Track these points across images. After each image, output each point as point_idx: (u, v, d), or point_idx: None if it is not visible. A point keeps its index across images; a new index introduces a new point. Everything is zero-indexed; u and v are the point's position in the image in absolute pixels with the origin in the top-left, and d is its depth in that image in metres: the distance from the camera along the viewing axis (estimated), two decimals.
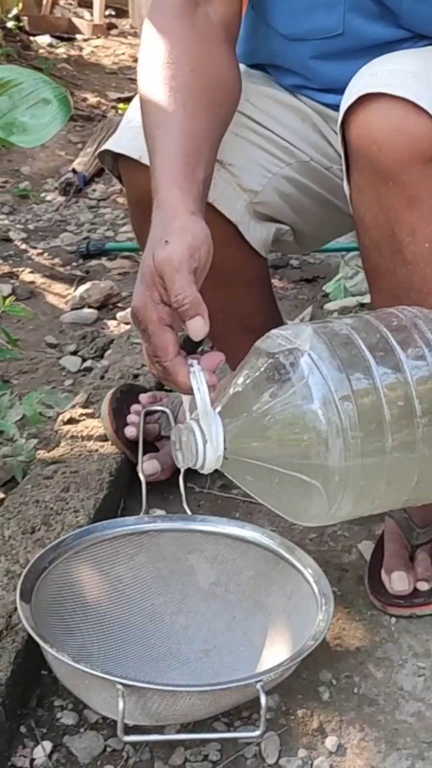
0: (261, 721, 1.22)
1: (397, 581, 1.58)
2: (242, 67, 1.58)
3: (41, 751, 1.32)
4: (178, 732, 1.31)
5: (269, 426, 1.12)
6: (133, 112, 1.54)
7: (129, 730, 1.21)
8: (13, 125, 1.28)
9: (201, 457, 1.14)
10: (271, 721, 1.36)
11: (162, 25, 1.45)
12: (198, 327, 1.17)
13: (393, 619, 1.57)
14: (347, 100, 1.38)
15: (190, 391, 1.15)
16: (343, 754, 1.34)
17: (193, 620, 1.50)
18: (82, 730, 1.36)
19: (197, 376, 1.14)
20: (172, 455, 1.19)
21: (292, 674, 1.35)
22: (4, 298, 1.69)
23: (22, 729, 1.35)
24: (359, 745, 1.35)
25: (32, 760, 1.31)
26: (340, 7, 1.52)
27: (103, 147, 1.59)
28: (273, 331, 1.18)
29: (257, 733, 1.23)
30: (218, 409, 1.14)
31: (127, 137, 1.54)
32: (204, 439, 1.13)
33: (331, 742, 1.35)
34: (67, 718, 1.37)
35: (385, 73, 1.38)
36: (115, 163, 1.60)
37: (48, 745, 1.33)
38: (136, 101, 1.50)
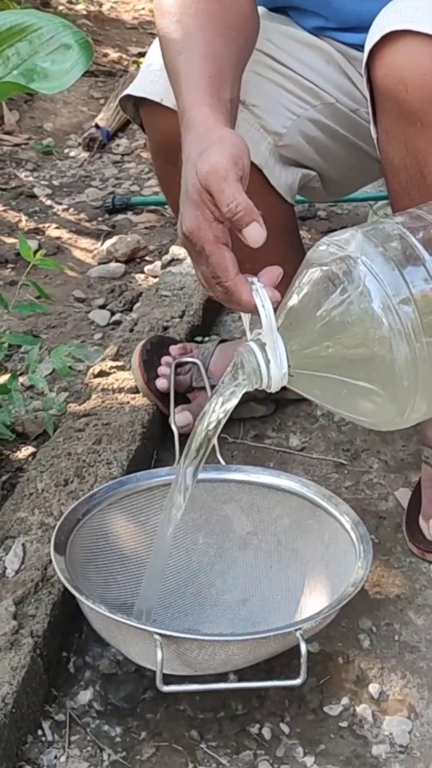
0: (302, 669, 1.21)
1: None
2: (262, 9, 1.57)
3: (81, 698, 1.32)
4: (217, 681, 1.29)
5: (330, 338, 1.09)
6: (153, 56, 1.53)
7: (167, 679, 1.20)
8: (34, 71, 1.25)
9: (266, 377, 1.11)
10: (312, 670, 1.34)
11: None
12: (256, 233, 1.13)
13: None
14: (371, 39, 1.35)
15: (254, 310, 1.12)
16: (386, 700, 1.34)
17: (230, 570, 1.49)
18: (120, 678, 1.36)
19: (260, 294, 1.12)
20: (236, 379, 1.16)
21: (331, 622, 1.34)
22: (34, 252, 1.66)
23: (60, 680, 1.35)
24: (401, 692, 1.35)
25: (72, 709, 1.31)
26: None
27: (124, 93, 1.58)
28: (323, 239, 1.14)
29: (299, 681, 1.22)
30: (277, 326, 1.11)
31: (148, 80, 1.54)
32: (266, 359, 1.10)
33: (373, 689, 1.35)
34: (106, 668, 1.37)
35: (410, 9, 1.34)
36: (136, 111, 1.60)
37: (87, 694, 1.33)
38: (155, 46, 1.49)
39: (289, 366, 1.11)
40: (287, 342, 1.11)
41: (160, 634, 1.18)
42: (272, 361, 1.11)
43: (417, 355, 1.07)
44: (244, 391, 1.16)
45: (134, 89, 1.56)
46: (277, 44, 1.63)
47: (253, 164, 1.52)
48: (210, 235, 1.15)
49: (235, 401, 1.17)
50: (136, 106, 1.59)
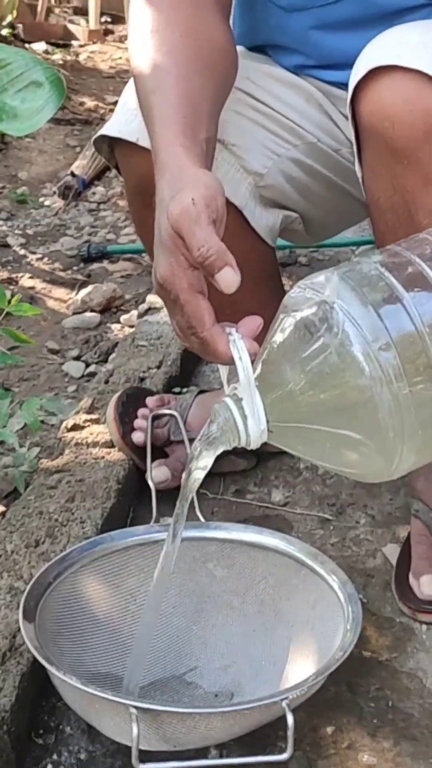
0: (289, 743, 1.13)
1: (427, 585, 1.51)
2: (240, 48, 1.55)
3: None
4: (198, 758, 1.22)
5: (310, 388, 1.03)
6: (128, 95, 1.51)
7: (144, 755, 1.12)
8: (2, 111, 1.20)
9: (244, 434, 1.05)
10: (299, 742, 1.28)
11: None
12: (229, 278, 1.06)
13: (424, 627, 1.50)
14: (356, 74, 1.32)
15: (231, 362, 1.06)
16: None
17: (210, 634, 1.43)
18: (94, 758, 1.28)
19: (237, 345, 1.05)
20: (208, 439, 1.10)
21: (319, 690, 1.26)
22: (9, 298, 1.61)
23: (29, 759, 1.27)
24: (395, 761, 1.28)
25: None
26: None
27: (98, 133, 1.55)
28: (300, 282, 1.08)
29: (285, 756, 1.14)
30: (255, 377, 1.05)
31: (122, 120, 1.51)
32: (243, 415, 1.04)
33: (364, 760, 1.27)
34: (77, 746, 1.29)
35: (396, 45, 1.31)
36: (111, 152, 1.57)
37: None
38: (130, 85, 1.46)
39: (267, 421, 1.05)
40: (265, 394, 1.05)
41: (135, 707, 1.10)
42: (250, 417, 1.05)
43: (401, 404, 1.01)
44: (221, 450, 1.10)
45: (109, 129, 1.53)
46: (256, 83, 1.60)
47: (233, 205, 1.51)
48: (184, 283, 1.09)
49: (210, 460, 1.11)
50: (111, 146, 1.55)
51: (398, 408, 1.01)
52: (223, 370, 1.13)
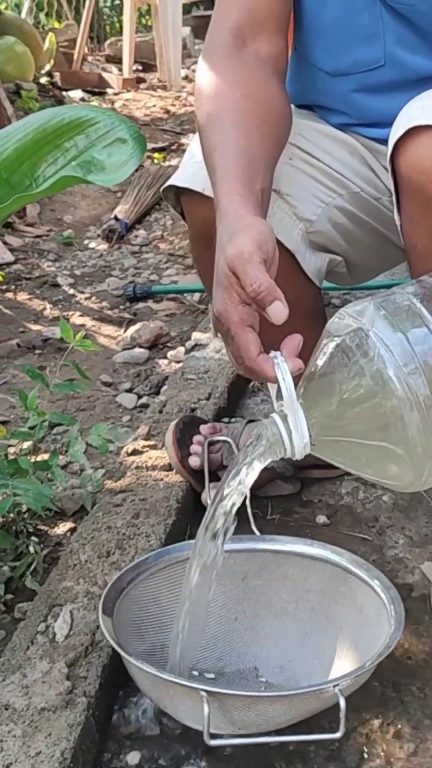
0: (341, 723, 1.24)
1: None
2: (291, 106, 1.64)
3: (130, 760, 1.36)
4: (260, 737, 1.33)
5: (348, 407, 1.15)
6: (194, 148, 1.62)
7: (213, 737, 1.23)
8: (91, 164, 1.31)
9: (289, 447, 1.18)
10: (351, 731, 1.39)
11: (213, 62, 1.53)
12: (278, 311, 1.20)
13: None
14: (395, 133, 1.44)
15: (277, 382, 1.18)
16: (424, 758, 1.37)
17: (267, 637, 1.53)
18: (168, 740, 1.39)
19: (281, 368, 1.18)
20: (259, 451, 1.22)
21: (367, 688, 1.38)
22: (75, 333, 1.73)
23: (111, 741, 1.39)
24: None
25: None
26: (380, 39, 1.59)
27: (168, 183, 1.66)
28: (341, 310, 1.21)
29: (338, 734, 1.25)
30: (299, 395, 1.17)
31: (190, 172, 1.63)
32: (288, 430, 1.17)
33: (407, 748, 1.38)
34: (153, 729, 1.41)
35: (431, 107, 1.44)
36: (177, 199, 1.68)
37: (136, 756, 1.37)
38: (196, 139, 1.57)
39: (310, 435, 1.18)
40: (308, 411, 1.17)
41: (206, 691, 1.22)
42: (294, 432, 1.17)
43: (429, 423, 1.13)
44: (268, 460, 1.22)
45: (177, 180, 1.65)
46: (307, 138, 1.71)
47: (286, 249, 1.62)
48: (236, 317, 1.22)
49: (257, 470, 1.23)
50: (177, 195, 1.67)
51: (425, 426, 1.13)
52: (272, 389, 1.24)
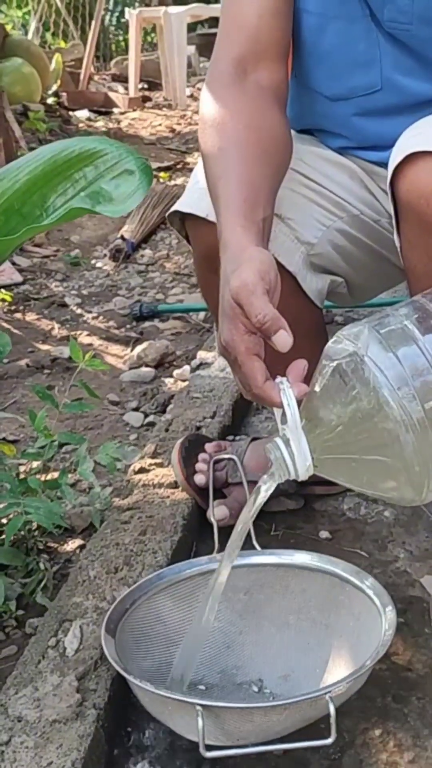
0: (332, 728, 1.26)
1: None
2: (291, 131, 1.68)
3: None
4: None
5: (347, 429, 1.19)
6: (199, 174, 1.66)
7: (210, 748, 1.26)
8: (99, 194, 1.34)
9: (292, 469, 1.22)
10: (351, 742, 1.43)
11: (216, 92, 1.58)
12: (282, 340, 1.24)
13: None
14: (395, 158, 1.48)
15: (282, 407, 1.23)
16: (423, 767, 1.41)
17: (269, 649, 1.56)
18: (174, 751, 1.43)
19: (286, 393, 1.22)
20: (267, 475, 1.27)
21: (365, 698, 1.42)
22: (83, 353, 1.78)
23: (119, 751, 1.43)
24: None
25: None
26: (377, 64, 1.63)
27: (173, 209, 1.70)
28: (339, 332, 1.24)
29: (329, 740, 1.27)
30: (301, 419, 1.21)
31: (194, 198, 1.67)
32: (291, 453, 1.21)
33: (407, 758, 1.41)
34: (158, 742, 1.44)
35: (430, 133, 1.47)
36: (182, 224, 1.72)
37: (145, 766, 1.40)
38: (200, 165, 1.62)
39: (312, 458, 1.22)
40: (310, 433, 1.21)
41: (200, 705, 1.25)
42: (297, 455, 1.21)
43: (424, 443, 1.16)
44: (276, 483, 1.27)
45: (182, 205, 1.69)
46: (307, 163, 1.75)
47: (287, 272, 1.66)
48: (242, 347, 1.27)
49: (266, 493, 1.28)
50: (182, 219, 1.71)
51: (421, 446, 1.16)
52: (278, 413, 1.28)
